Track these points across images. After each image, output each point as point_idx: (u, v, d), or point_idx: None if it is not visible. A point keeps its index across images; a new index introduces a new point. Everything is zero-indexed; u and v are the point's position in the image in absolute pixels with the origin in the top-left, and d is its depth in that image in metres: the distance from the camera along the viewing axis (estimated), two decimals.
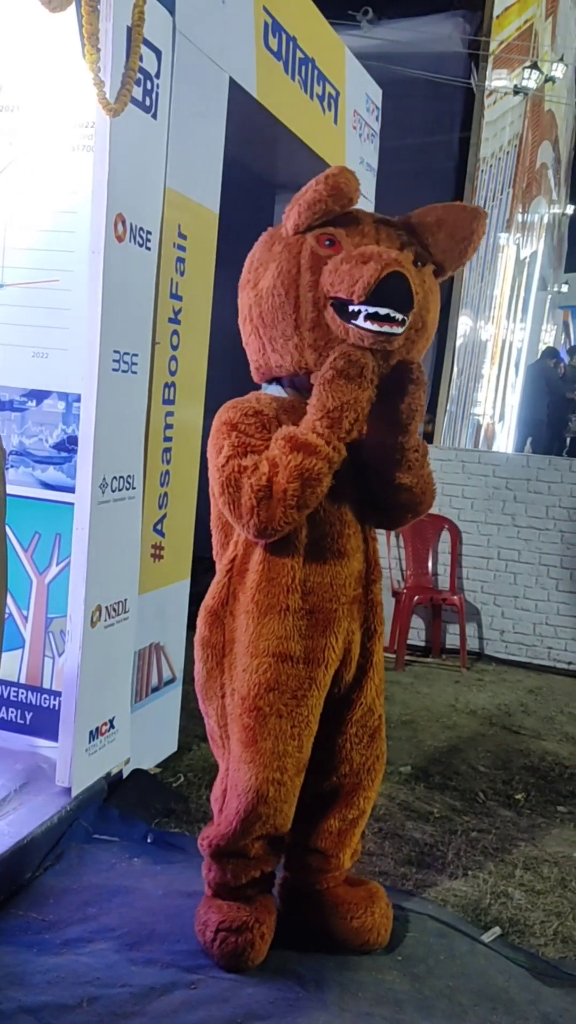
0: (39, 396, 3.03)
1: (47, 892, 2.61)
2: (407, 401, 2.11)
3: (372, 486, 2.25)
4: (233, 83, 3.45)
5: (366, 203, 5.31)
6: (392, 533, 5.58)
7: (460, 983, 2.36)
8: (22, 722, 3.13)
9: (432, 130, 6.21)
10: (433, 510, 5.49)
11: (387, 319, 1.97)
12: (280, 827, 2.26)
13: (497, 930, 2.62)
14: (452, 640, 5.53)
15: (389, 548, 5.57)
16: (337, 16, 5.88)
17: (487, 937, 2.57)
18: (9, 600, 3.12)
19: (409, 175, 6.14)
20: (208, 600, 2.29)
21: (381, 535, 5.63)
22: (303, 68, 4.12)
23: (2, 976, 2.23)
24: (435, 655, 5.52)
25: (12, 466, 3.07)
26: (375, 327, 1.98)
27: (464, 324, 6.37)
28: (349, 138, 4.84)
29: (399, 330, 2.00)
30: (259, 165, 4.72)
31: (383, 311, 1.96)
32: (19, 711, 3.13)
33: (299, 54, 4.06)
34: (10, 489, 3.03)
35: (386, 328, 1.98)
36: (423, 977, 2.37)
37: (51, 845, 2.76)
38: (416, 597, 5.34)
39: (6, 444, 3.08)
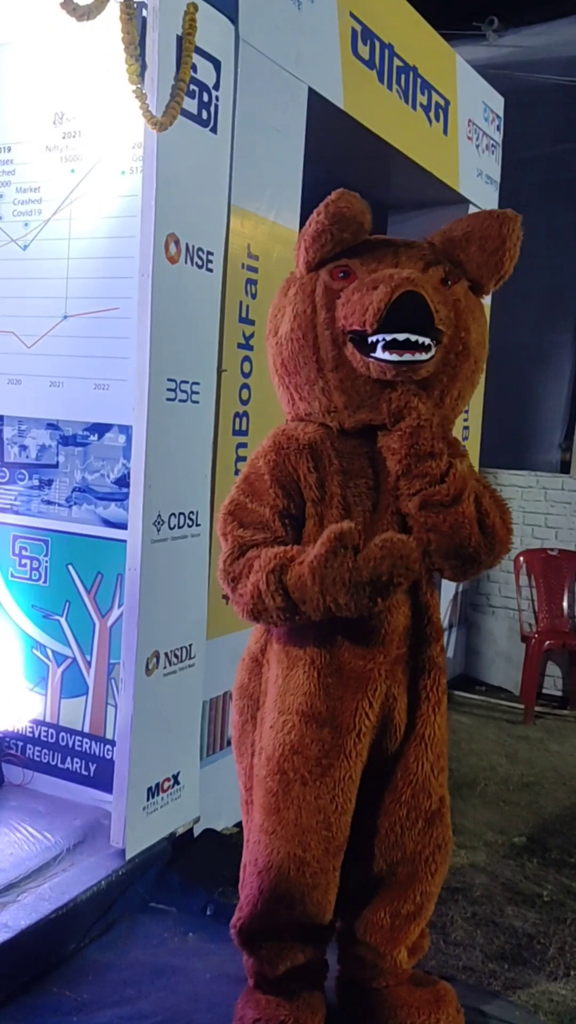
0: (101, 430, 2.90)
1: (87, 967, 2.40)
2: (395, 437, 1.83)
3: None
4: (314, 94, 3.24)
5: None
6: (523, 571, 5.13)
7: None
8: (86, 773, 2.97)
9: (565, 138, 5.79)
10: (568, 545, 5.08)
11: (407, 345, 1.74)
12: (313, 916, 1.96)
13: None
14: None
15: (519, 588, 5.12)
16: (460, 27, 5.60)
17: None
18: (73, 644, 2.98)
19: (540, 187, 5.75)
20: (250, 642, 2.08)
21: (507, 573, 5.20)
22: (402, 77, 3.87)
23: None
24: (573, 707, 4.99)
25: (75, 503, 2.94)
26: (395, 357, 1.75)
27: None
28: (463, 149, 4.53)
29: (424, 356, 1.76)
30: (367, 185, 4.48)
31: (401, 337, 1.73)
32: (83, 762, 2.97)
33: (397, 62, 3.81)
34: (72, 527, 2.92)
35: (407, 356, 1.75)
36: None
37: (100, 913, 2.56)
38: (548, 642, 4.85)
39: (69, 480, 2.96)
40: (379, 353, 1.77)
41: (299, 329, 1.89)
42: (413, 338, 1.74)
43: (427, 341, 1.76)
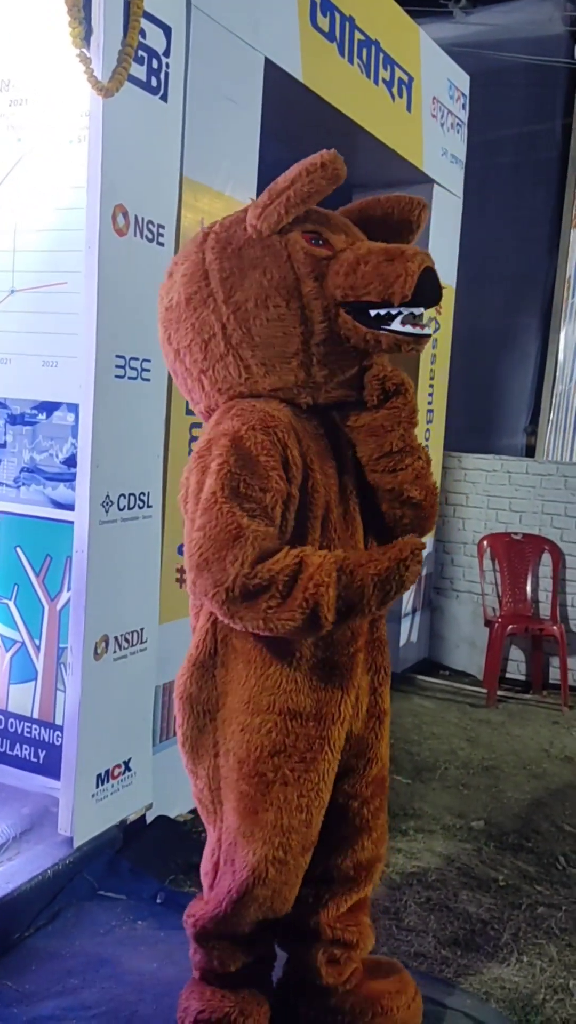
0: (49, 408, 2.82)
1: (31, 957, 2.34)
2: (384, 415, 1.82)
3: (377, 509, 1.89)
4: (271, 65, 3.16)
5: (453, 199, 4.92)
6: (487, 555, 5.11)
7: None
8: (35, 760, 2.90)
9: (533, 119, 5.74)
10: (532, 530, 5.07)
11: (419, 319, 1.72)
12: (277, 911, 1.89)
13: None
14: (556, 675, 4.99)
15: (482, 572, 5.10)
16: (426, 4, 5.52)
17: None
18: (21, 628, 2.91)
19: (508, 168, 5.70)
20: (192, 650, 1.87)
21: (471, 557, 5.18)
22: (364, 51, 3.79)
23: None
24: (535, 691, 4.99)
25: (23, 484, 2.86)
26: (417, 330, 1.73)
27: (573, 330, 5.83)
28: (427, 127, 4.47)
29: (430, 330, 1.77)
30: None
31: (418, 311, 1.71)
32: (32, 748, 2.90)
33: (358, 35, 3.74)
34: (21, 508, 2.84)
35: (418, 329, 1.73)
36: None
37: (46, 902, 2.50)
38: (511, 626, 4.83)
39: (17, 460, 2.88)
40: (398, 325, 1.71)
41: (280, 298, 1.73)
42: (423, 312, 1.73)
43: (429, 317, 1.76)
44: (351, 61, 3.71)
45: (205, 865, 1.98)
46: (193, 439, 2.98)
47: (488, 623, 4.93)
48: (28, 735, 2.90)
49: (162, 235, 2.72)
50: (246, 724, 1.80)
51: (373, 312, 1.71)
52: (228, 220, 1.84)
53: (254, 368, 1.79)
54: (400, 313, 1.70)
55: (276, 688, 1.78)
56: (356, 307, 1.73)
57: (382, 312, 1.71)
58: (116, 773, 2.75)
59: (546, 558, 5.04)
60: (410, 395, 1.83)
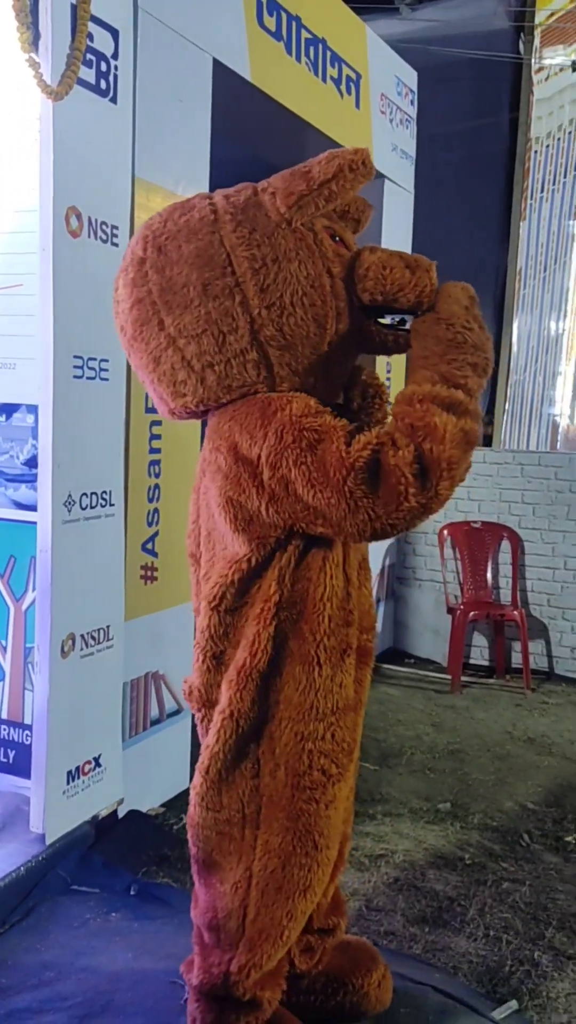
0: (8, 410, 2.83)
1: (7, 952, 2.37)
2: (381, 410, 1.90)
3: None
4: (219, 65, 3.20)
5: (404, 194, 4.99)
6: (447, 544, 5.19)
7: None
8: (5, 760, 2.92)
9: (480, 113, 5.83)
10: (491, 517, 5.16)
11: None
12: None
13: (513, 1004, 2.23)
14: (519, 659, 5.09)
15: (443, 560, 5.18)
16: (373, 1, 5.58)
17: (499, 1014, 2.20)
18: None
19: (457, 162, 5.78)
20: (247, 659, 1.70)
21: (432, 546, 5.27)
22: (311, 49, 3.84)
23: None
24: (499, 676, 5.09)
25: None
26: None
27: (525, 321, 5.93)
28: (376, 123, 4.53)
29: None
30: (279, 159, 4.45)
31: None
32: (1, 749, 2.92)
33: (305, 34, 3.78)
34: None
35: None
36: None
37: (20, 899, 2.53)
38: (473, 613, 4.93)
39: None
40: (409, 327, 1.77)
41: (317, 295, 1.66)
42: None
43: None
44: (299, 59, 3.75)
45: (228, 905, 1.79)
46: (154, 436, 3.01)
47: (450, 610, 5.02)
48: None
49: (116, 236, 2.74)
50: (306, 732, 1.73)
51: (390, 317, 1.73)
52: (236, 200, 1.69)
53: (276, 369, 1.68)
54: (410, 318, 1.72)
55: (337, 687, 1.74)
56: (371, 311, 1.72)
57: (396, 318, 1.73)
58: (86, 769, 2.79)
59: (505, 545, 5.13)
60: (386, 397, 1.88)
